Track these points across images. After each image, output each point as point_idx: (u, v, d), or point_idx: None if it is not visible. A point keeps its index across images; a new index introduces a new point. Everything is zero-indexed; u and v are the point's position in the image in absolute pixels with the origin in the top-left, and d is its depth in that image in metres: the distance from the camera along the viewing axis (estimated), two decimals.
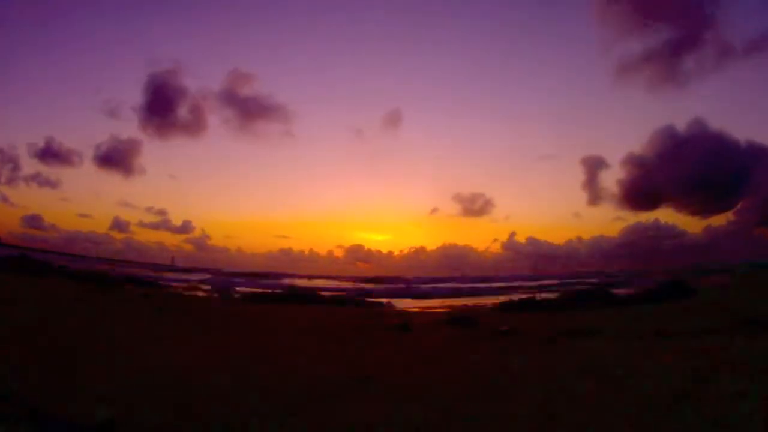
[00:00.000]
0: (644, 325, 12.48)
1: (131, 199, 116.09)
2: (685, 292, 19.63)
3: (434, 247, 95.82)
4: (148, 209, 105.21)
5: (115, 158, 79.98)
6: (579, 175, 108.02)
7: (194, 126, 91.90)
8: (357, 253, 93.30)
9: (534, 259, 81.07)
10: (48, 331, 9.92)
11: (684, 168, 58.38)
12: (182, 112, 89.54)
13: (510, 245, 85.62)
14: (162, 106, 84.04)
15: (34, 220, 79.56)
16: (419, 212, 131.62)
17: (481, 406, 5.60)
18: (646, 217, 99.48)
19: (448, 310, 23.93)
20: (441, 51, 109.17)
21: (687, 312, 14.70)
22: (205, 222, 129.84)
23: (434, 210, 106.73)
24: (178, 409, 5.35)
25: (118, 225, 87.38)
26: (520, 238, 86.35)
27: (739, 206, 59.31)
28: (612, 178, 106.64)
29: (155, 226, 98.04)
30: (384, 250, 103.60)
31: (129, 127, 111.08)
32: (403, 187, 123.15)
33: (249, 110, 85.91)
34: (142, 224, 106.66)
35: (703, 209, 64.31)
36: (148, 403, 5.55)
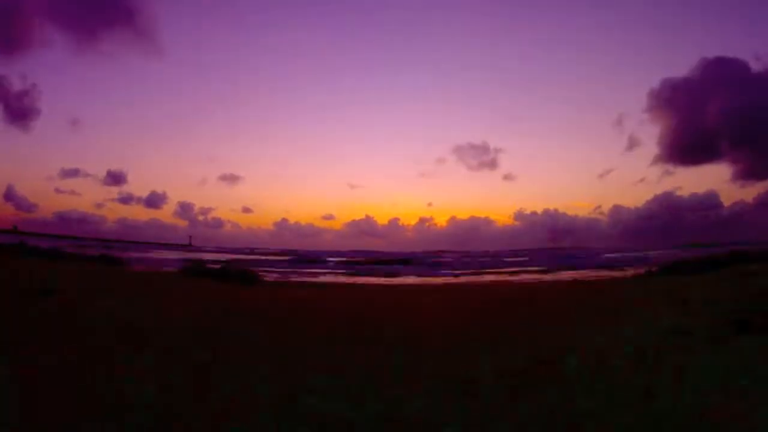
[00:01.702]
0: None
1: (73, 161, 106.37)
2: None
3: (444, 219, 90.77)
4: (94, 177, 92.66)
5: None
6: (606, 125, 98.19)
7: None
8: (360, 225, 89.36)
9: (550, 233, 77.85)
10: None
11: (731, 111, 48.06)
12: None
13: (523, 216, 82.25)
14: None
15: (18, 200, 76.45)
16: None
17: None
18: (684, 178, 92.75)
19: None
20: None
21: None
22: (166, 187, 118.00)
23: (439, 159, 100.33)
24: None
25: (97, 204, 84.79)
26: (537, 207, 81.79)
27: None
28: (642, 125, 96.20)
29: (124, 200, 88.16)
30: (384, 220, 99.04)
31: None
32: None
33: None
34: (112, 200, 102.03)
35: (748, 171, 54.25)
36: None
